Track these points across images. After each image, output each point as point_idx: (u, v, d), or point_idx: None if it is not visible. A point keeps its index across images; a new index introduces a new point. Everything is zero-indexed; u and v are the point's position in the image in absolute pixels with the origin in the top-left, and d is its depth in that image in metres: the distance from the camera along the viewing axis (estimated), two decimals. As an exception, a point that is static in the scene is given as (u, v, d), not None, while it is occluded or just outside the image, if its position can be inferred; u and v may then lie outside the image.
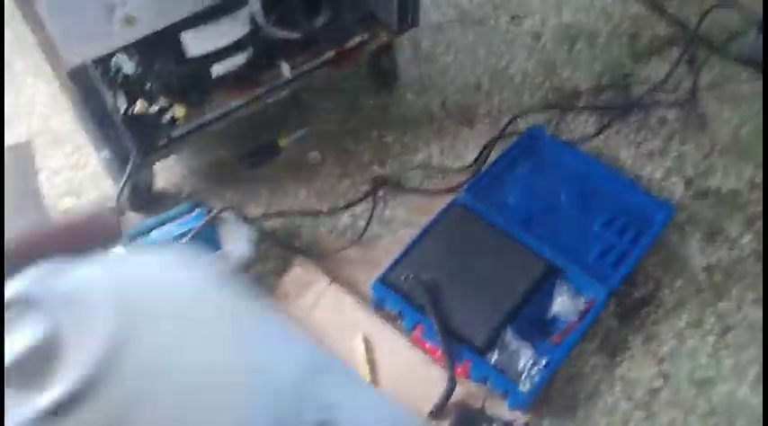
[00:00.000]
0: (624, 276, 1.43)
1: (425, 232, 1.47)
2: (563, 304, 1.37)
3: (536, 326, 1.37)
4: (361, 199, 1.58)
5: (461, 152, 1.67)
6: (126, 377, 0.21)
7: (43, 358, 0.20)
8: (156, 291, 0.25)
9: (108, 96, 1.29)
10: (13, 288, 0.22)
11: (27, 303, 0.21)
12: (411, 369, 1.33)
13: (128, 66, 1.30)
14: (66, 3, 1.08)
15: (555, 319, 1.38)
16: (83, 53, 1.15)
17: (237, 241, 1.38)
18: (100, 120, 1.27)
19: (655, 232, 1.48)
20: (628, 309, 1.44)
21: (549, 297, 1.39)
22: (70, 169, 1.65)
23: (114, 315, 0.22)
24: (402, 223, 1.56)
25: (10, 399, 0.20)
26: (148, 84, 1.34)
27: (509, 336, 1.32)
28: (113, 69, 1.30)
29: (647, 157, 1.66)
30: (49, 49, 1.12)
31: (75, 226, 0.31)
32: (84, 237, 0.29)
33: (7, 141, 1.69)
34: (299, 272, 1.45)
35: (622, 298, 1.45)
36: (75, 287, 0.23)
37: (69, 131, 1.70)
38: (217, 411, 0.23)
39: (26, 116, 1.74)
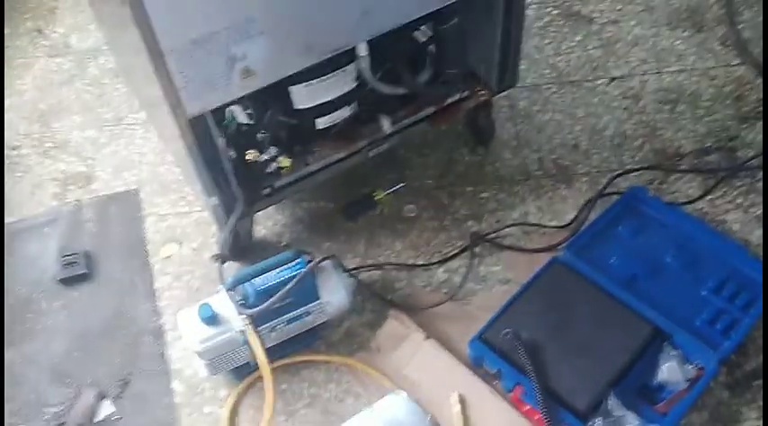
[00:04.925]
0: (737, 344, 1.35)
1: (525, 289, 1.44)
2: (671, 370, 1.30)
3: (640, 393, 1.31)
4: (456, 254, 1.57)
5: (559, 210, 1.64)
6: None
7: None
8: None
9: (221, 144, 1.34)
10: None
11: None
12: (508, 431, 1.29)
13: (241, 116, 1.35)
14: (192, 57, 1.14)
15: (661, 386, 1.31)
16: (204, 103, 1.20)
17: (336, 291, 1.38)
18: (212, 167, 1.31)
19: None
20: (739, 380, 1.36)
21: (654, 363, 1.33)
22: (175, 216, 1.71)
23: None
24: (498, 280, 1.54)
25: None
26: (260, 134, 1.39)
27: (613, 402, 1.26)
28: (228, 119, 1.35)
29: (756, 222, 1.59)
30: (174, 99, 1.17)
31: None
32: None
33: (117, 188, 1.78)
34: (396, 325, 1.44)
35: (732, 368, 1.37)
36: None
37: (176, 180, 1.77)
38: None
39: (137, 165, 1.82)
